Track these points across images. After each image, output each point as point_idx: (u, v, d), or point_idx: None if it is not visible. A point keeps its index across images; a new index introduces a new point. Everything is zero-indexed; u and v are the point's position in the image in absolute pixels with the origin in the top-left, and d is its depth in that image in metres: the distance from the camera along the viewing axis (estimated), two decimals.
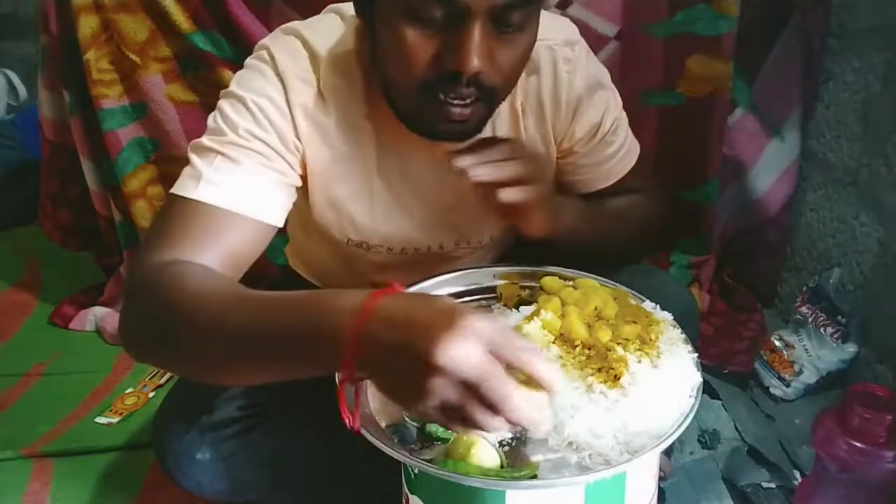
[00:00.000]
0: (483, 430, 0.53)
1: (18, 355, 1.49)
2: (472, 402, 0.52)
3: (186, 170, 0.78)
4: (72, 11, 1.36)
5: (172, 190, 0.77)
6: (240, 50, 1.35)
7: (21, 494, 1.12)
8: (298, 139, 0.81)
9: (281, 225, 0.81)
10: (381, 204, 0.89)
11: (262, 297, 0.63)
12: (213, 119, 0.80)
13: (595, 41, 1.32)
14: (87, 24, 1.36)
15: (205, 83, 1.41)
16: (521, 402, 0.52)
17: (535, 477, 0.64)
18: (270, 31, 1.35)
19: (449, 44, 0.69)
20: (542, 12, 0.75)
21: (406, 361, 0.52)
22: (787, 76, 1.38)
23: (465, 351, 0.51)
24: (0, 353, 1.50)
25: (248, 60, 0.83)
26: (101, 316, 1.56)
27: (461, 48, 0.68)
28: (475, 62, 0.68)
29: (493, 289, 0.91)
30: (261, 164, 0.78)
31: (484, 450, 0.64)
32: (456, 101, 0.72)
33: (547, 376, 0.54)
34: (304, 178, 0.85)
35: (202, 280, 0.69)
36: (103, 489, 1.14)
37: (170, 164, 1.47)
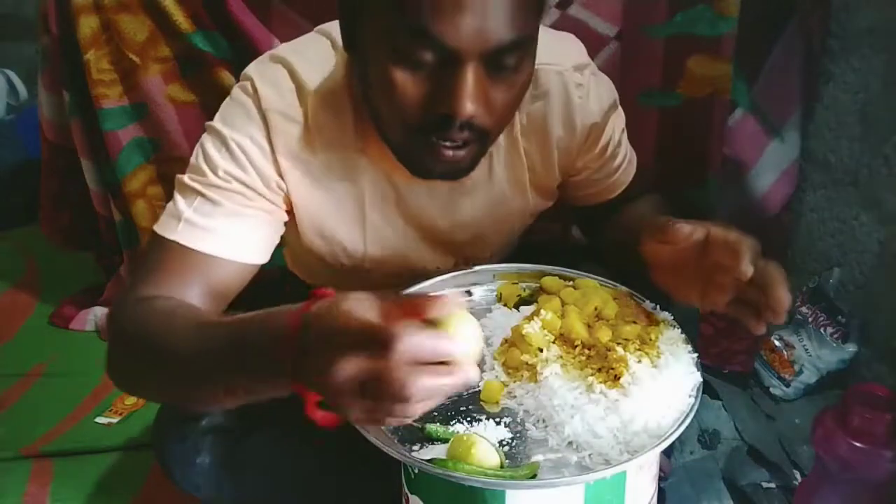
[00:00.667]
0: (386, 410, 0.50)
1: (18, 355, 1.49)
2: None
3: (169, 206, 0.78)
4: (72, 12, 1.36)
5: (155, 227, 0.78)
6: (240, 50, 1.35)
7: (21, 494, 1.12)
8: (281, 177, 0.80)
9: (265, 261, 0.82)
10: (375, 233, 0.88)
11: (214, 323, 0.64)
12: (195, 156, 0.79)
13: (595, 41, 1.32)
14: (87, 25, 1.36)
15: (205, 83, 1.40)
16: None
17: (535, 477, 0.64)
18: (270, 30, 1.37)
19: (440, 87, 0.66)
20: (547, 32, 0.73)
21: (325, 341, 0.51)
22: (787, 76, 1.38)
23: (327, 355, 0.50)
24: (0, 353, 1.50)
25: (234, 91, 0.82)
26: (101, 316, 1.56)
27: (454, 93, 0.65)
28: (469, 107, 0.66)
29: (493, 289, 0.91)
30: (241, 206, 0.78)
31: (484, 450, 0.64)
32: (448, 144, 0.71)
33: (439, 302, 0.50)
34: (290, 212, 0.85)
35: (168, 313, 0.69)
36: (103, 489, 1.14)
37: (170, 164, 1.47)
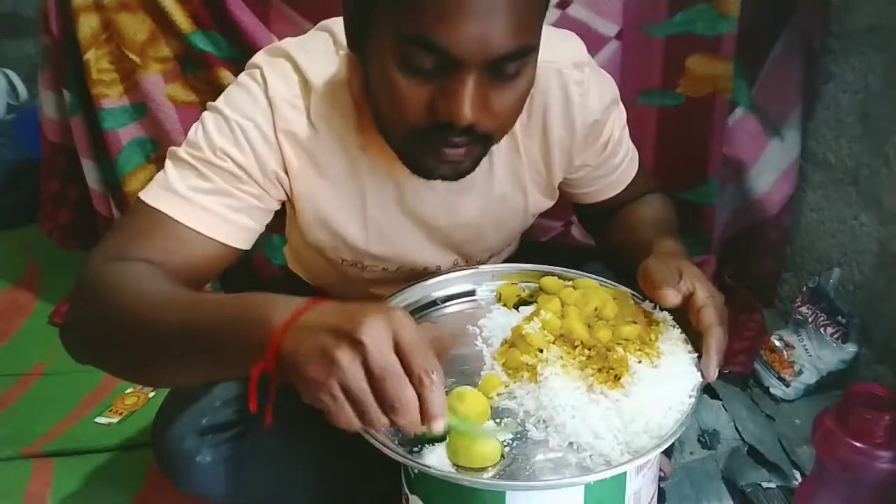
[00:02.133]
0: (368, 427, 0.54)
1: (18, 355, 1.49)
2: (368, 396, 0.53)
3: (159, 175, 0.77)
4: (72, 11, 1.36)
5: (141, 193, 0.77)
6: (240, 50, 1.35)
7: (21, 494, 1.12)
8: (283, 168, 0.80)
9: (247, 248, 0.81)
10: (376, 228, 0.88)
11: (196, 295, 0.65)
12: (193, 132, 0.79)
13: (595, 41, 1.32)
14: (87, 24, 1.36)
15: (205, 83, 1.40)
16: (409, 406, 0.53)
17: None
18: (270, 30, 1.36)
19: (442, 93, 0.67)
20: (548, 30, 0.73)
21: (327, 337, 0.53)
22: (787, 76, 1.38)
23: (382, 334, 0.53)
24: (0, 353, 1.50)
25: (241, 77, 0.82)
26: None
27: (454, 99, 0.66)
28: (468, 114, 0.66)
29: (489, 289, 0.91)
30: (232, 187, 0.77)
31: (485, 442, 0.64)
32: (449, 150, 0.71)
33: (431, 407, 0.53)
34: (290, 203, 0.84)
35: (147, 279, 0.69)
36: (103, 489, 1.14)
37: None
